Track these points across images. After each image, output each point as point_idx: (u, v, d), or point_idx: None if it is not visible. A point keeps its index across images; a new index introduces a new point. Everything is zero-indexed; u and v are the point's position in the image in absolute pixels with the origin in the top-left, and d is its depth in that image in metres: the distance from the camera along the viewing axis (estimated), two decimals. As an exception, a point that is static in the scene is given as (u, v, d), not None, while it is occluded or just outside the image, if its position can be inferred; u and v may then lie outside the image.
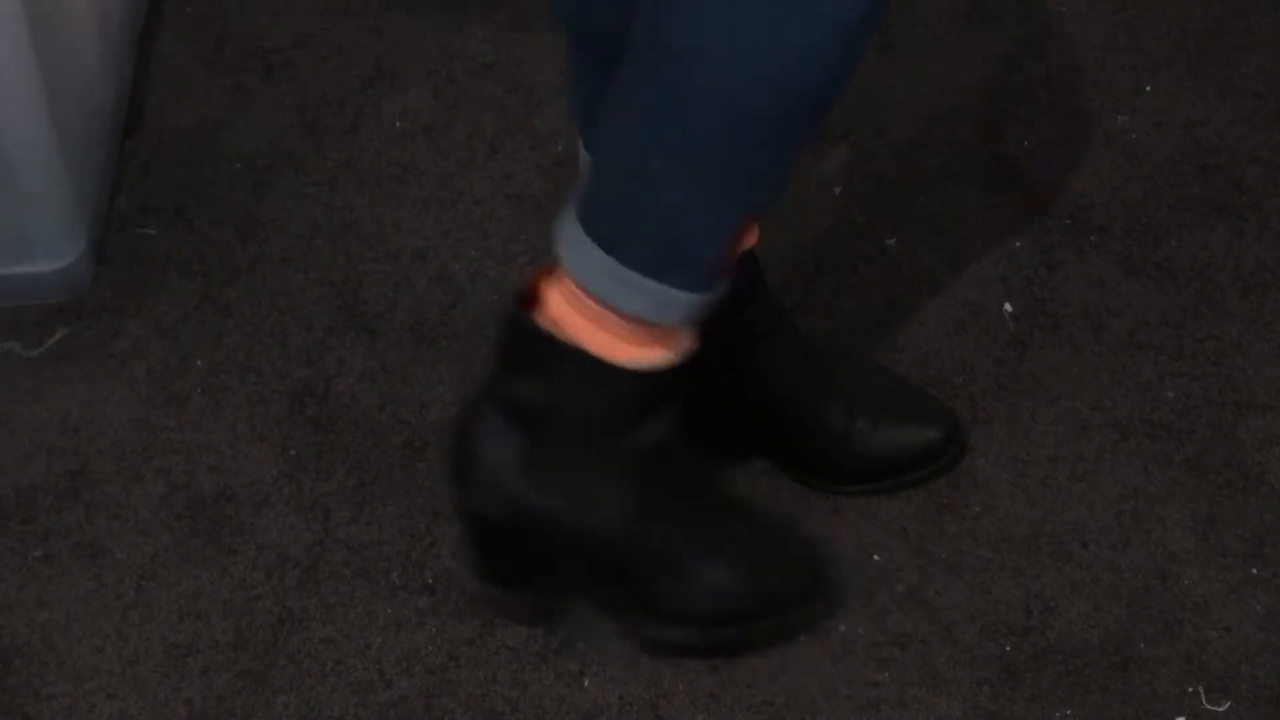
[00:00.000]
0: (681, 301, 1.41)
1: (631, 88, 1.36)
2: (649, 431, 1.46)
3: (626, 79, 1.36)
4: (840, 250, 1.80)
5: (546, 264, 1.44)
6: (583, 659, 1.55)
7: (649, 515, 1.49)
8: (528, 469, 1.47)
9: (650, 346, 1.43)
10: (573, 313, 1.43)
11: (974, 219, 1.82)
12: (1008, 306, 1.75)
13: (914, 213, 1.82)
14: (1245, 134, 1.87)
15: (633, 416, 1.46)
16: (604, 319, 1.42)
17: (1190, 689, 1.52)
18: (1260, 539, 1.60)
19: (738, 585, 1.52)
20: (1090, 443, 1.66)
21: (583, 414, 1.45)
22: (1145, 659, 1.54)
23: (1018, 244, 1.80)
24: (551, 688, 1.53)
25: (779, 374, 1.60)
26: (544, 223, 1.83)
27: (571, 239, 1.41)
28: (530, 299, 1.45)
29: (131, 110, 1.91)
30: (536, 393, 1.45)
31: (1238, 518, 1.62)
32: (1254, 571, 1.59)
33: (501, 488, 1.48)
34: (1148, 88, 1.92)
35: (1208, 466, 1.65)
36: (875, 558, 1.60)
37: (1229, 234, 1.80)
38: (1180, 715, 1.51)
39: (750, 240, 1.55)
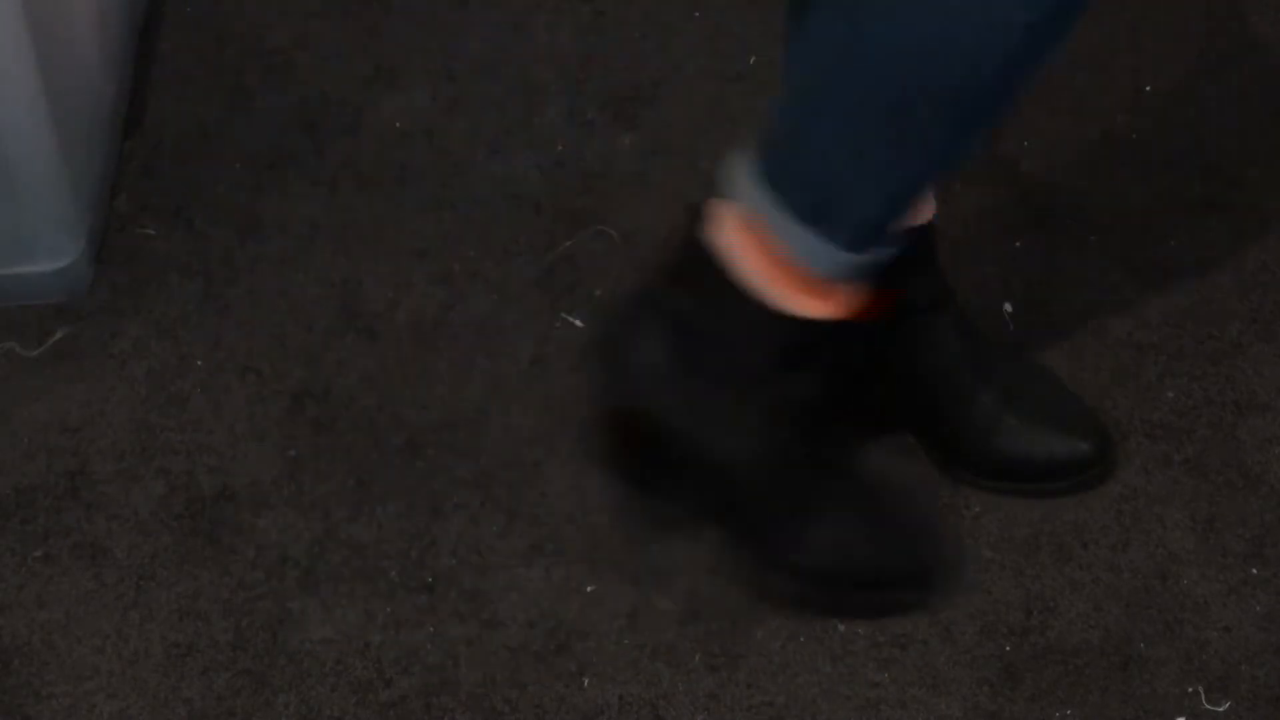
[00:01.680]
0: (831, 256, 1.40)
1: (815, 30, 1.34)
2: (793, 385, 1.47)
3: (815, 15, 1.34)
4: (840, 250, 1.80)
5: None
6: (582, 659, 1.55)
7: (775, 463, 1.49)
8: (670, 384, 1.47)
9: (804, 294, 1.43)
10: (740, 241, 1.42)
11: (974, 219, 1.82)
12: (1008, 306, 1.75)
13: (914, 213, 1.82)
14: (1245, 134, 1.87)
15: (778, 362, 1.45)
16: (765, 252, 1.41)
17: (1190, 689, 1.52)
18: (1260, 539, 1.60)
19: (847, 547, 1.52)
20: (1090, 443, 1.66)
21: (731, 345, 1.45)
22: (1145, 659, 1.54)
23: (1018, 244, 1.80)
24: (551, 688, 1.53)
25: (933, 351, 1.58)
26: (544, 223, 1.82)
27: (748, 165, 1.41)
28: (710, 220, 1.45)
29: (131, 110, 1.91)
30: (693, 312, 1.46)
31: (1238, 518, 1.62)
32: (1254, 571, 1.59)
33: (643, 395, 1.49)
34: (1148, 88, 1.92)
35: (1208, 466, 1.65)
36: (875, 558, 1.60)
37: (1229, 234, 1.80)
38: (1180, 715, 1.51)
39: (925, 215, 1.54)
